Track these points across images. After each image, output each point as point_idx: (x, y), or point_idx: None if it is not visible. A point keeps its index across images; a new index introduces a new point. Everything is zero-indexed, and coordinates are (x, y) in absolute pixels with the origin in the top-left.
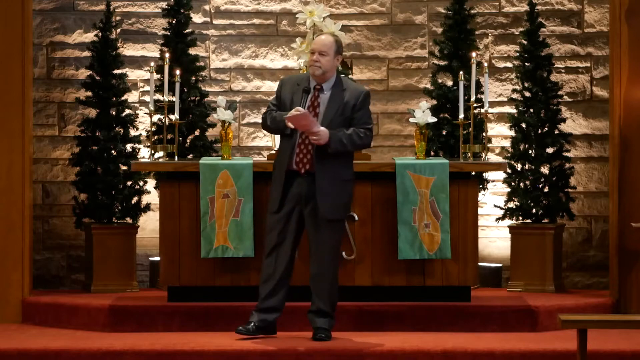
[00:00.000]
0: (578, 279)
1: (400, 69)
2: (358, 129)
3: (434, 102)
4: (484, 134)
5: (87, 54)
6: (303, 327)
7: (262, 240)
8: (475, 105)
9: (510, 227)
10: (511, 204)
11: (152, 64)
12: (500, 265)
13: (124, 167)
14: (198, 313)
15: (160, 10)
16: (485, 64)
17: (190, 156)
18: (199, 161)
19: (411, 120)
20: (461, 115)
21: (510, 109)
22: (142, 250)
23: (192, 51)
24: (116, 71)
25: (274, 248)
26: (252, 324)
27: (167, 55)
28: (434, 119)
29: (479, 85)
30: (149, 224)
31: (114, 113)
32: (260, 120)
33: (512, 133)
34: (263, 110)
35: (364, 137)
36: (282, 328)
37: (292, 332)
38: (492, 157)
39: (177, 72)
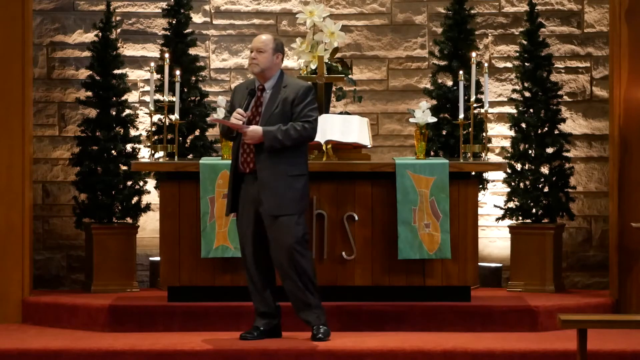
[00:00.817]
0: (578, 279)
1: (400, 69)
2: (295, 123)
3: (434, 102)
4: (484, 134)
5: (87, 54)
6: (303, 327)
7: None
8: (475, 105)
9: (510, 227)
10: (511, 204)
11: (152, 64)
12: (500, 265)
13: (124, 167)
14: (198, 313)
15: (160, 10)
16: (485, 64)
17: (190, 156)
18: (199, 161)
19: (411, 120)
20: (461, 115)
21: (510, 109)
22: (142, 250)
23: (192, 51)
24: (116, 71)
25: (245, 259)
26: (259, 328)
27: (167, 55)
28: (434, 119)
29: (479, 85)
30: (149, 224)
31: (114, 113)
32: None
33: (512, 133)
34: None
35: (302, 129)
36: (282, 328)
37: (292, 332)
38: (492, 157)
39: (177, 72)
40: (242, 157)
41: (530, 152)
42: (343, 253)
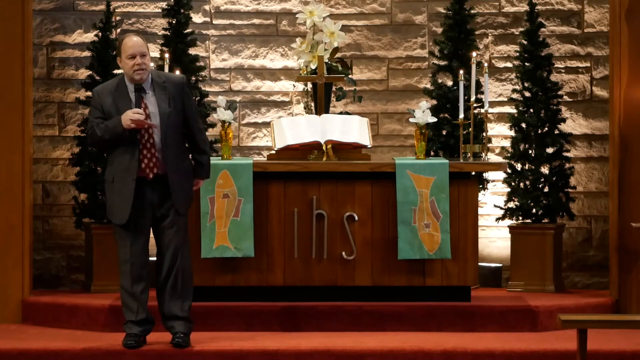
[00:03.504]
0: (578, 279)
1: (400, 69)
2: (199, 152)
3: (434, 102)
4: (484, 134)
5: (87, 54)
6: (302, 327)
7: (263, 240)
8: (475, 105)
9: (510, 227)
10: (511, 204)
11: (152, 64)
12: (500, 265)
13: None
14: (198, 313)
15: (160, 10)
16: (485, 64)
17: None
18: None
19: (411, 120)
20: (461, 115)
21: (510, 109)
22: None
23: (192, 51)
24: (116, 71)
25: (129, 262)
26: (139, 337)
27: (167, 55)
28: (434, 119)
29: (479, 85)
30: None
31: None
32: (259, 121)
33: (512, 133)
34: (263, 110)
35: (205, 141)
36: (281, 328)
37: (292, 332)
38: (492, 157)
39: (177, 72)
40: (143, 162)
41: (530, 152)
42: (343, 253)
